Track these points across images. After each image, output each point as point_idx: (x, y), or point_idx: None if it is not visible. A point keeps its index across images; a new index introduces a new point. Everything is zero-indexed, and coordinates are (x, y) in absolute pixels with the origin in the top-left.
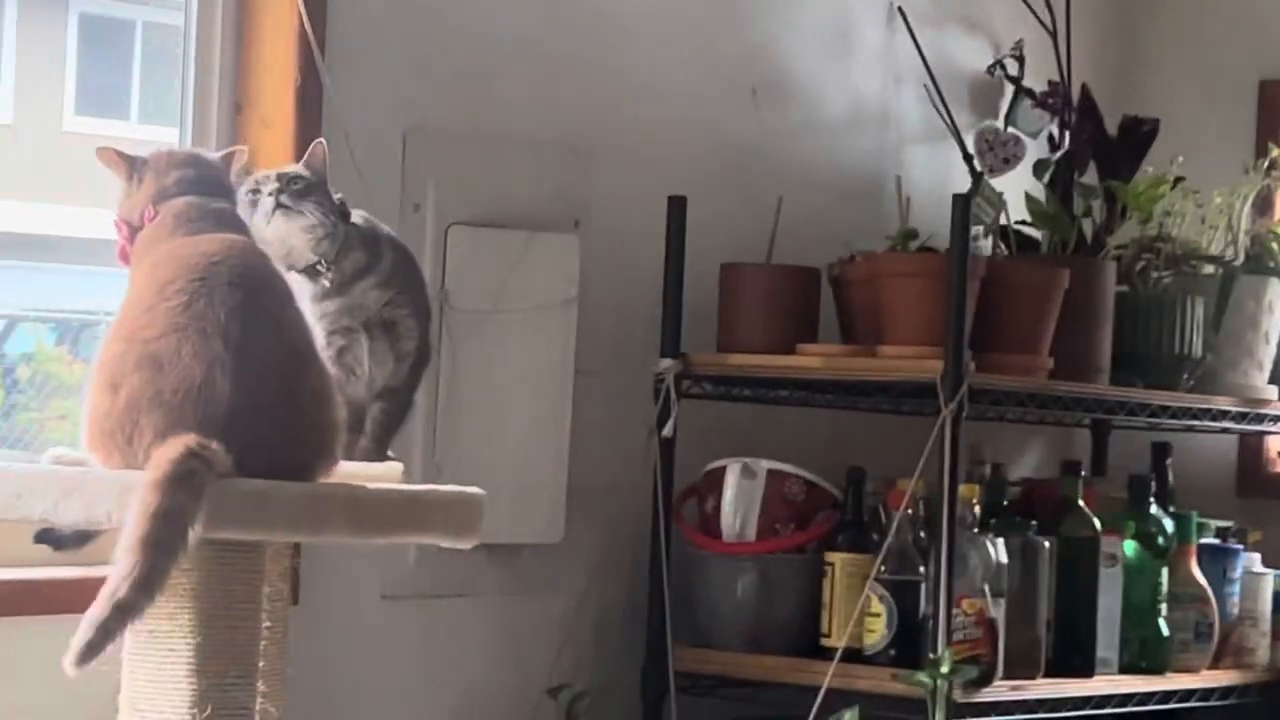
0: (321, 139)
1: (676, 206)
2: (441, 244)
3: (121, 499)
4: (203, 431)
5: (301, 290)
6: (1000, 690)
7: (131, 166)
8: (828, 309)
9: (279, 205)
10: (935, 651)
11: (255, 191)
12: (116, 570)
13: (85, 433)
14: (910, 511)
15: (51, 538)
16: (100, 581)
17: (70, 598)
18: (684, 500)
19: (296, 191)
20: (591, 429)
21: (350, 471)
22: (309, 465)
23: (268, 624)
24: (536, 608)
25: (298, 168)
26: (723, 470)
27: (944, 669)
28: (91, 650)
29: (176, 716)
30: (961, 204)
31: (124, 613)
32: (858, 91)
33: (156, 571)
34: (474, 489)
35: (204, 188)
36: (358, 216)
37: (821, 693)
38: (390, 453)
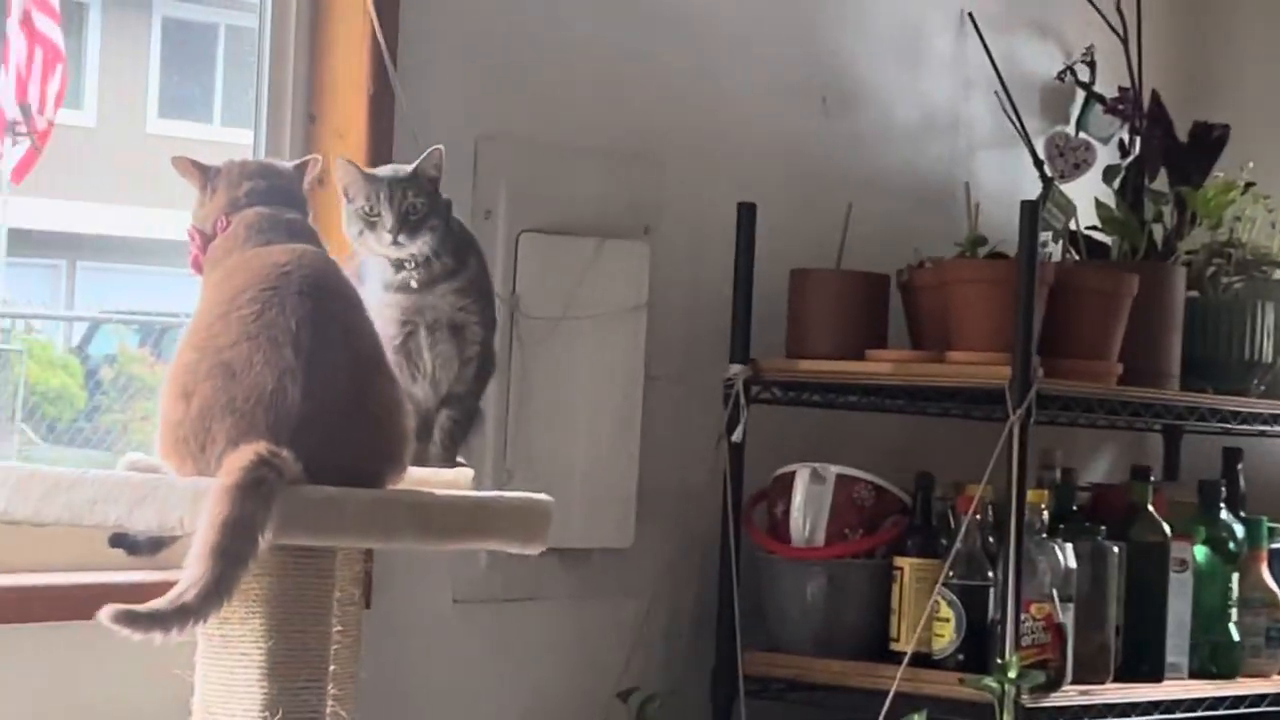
0: (439, 146)
1: (746, 213)
2: (513, 251)
3: (194, 506)
4: (273, 439)
5: (377, 275)
6: (1069, 695)
7: (205, 176)
8: (898, 315)
9: (395, 243)
10: (1004, 656)
11: (372, 215)
12: (186, 576)
13: (159, 440)
14: (979, 517)
15: (126, 543)
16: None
17: (144, 602)
18: (754, 505)
19: (414, 223)
20: (661, 434)
21: (421, 477)
22: (378, 472)
23: (339, 628)
24: (607, 611)
25: (414, 181)
26: (792, 475)
27: (1011, 673)
28: (133, 620)
29: None
30: (1029, 210)
31: (186, 615)
32: (928, 98)
33: (226, 580)
34: (542, 496)
35: (276, 198)
36: (454, 221)
37: (889, 697)
38: (460, 459)
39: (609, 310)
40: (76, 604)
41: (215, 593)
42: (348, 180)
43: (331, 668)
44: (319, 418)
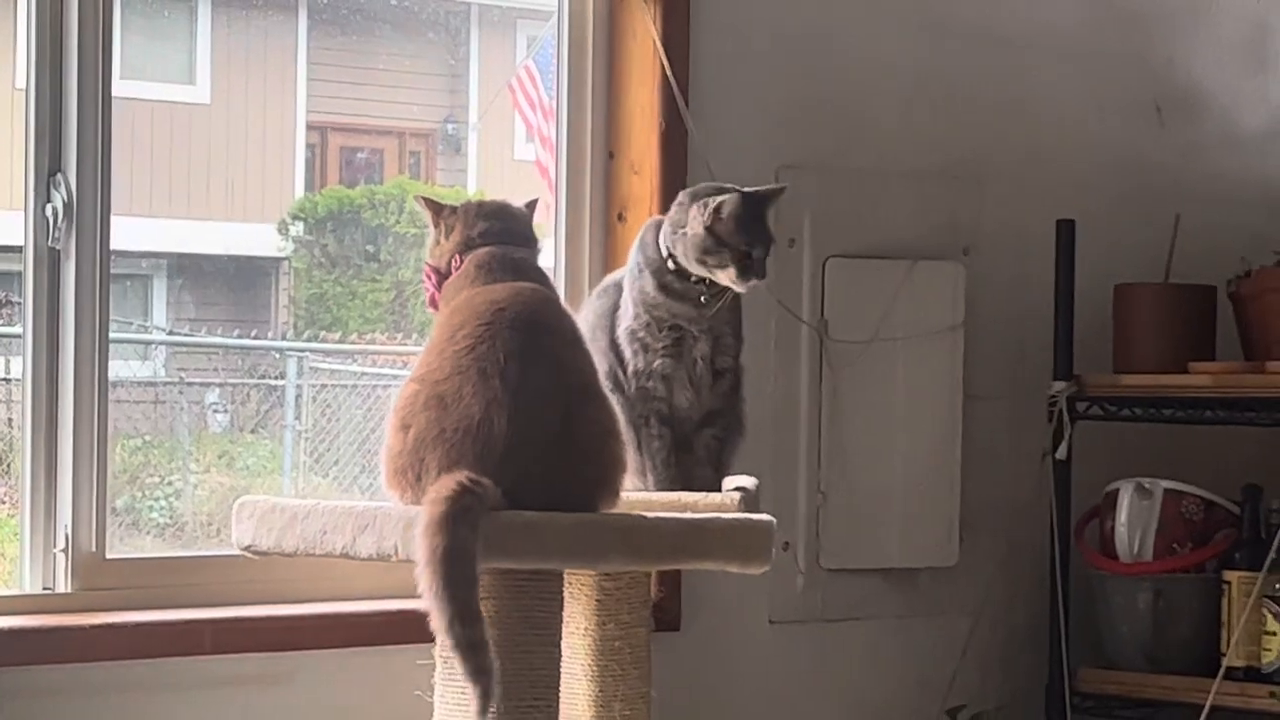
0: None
1: (1066, 229)
2: (819, 277)
3: (406, 533)
4: (480, 467)
5: (653, 272)
6: None
7: (439, 215)
8: (1232, 326)
9: (747, 285)
10: None
11: (747, 257)
12: (438, 620)
13: (383, 472)
14: None
15: None
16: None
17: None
18: (1086, 522)
19: (762, 267)
20: (983, 452)
21: (673, 500)
22: (589, 497)
23: (627, 648)
24: (933, 629)
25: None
26: (1118, 491)
27: None
28: (483, 694)
29: None
30: None
31: (473, 648)
32: (1276, 104)
33: (469, 604)
34: (763, 516)
35: (508, 238)
36: None
37: (1205, 711)
38: (748, 478)
39: (923, 331)
40: (347, 632)
41: (468, 617)
42: (732, 213)
43: (621, 688)
44: (525, 446)
